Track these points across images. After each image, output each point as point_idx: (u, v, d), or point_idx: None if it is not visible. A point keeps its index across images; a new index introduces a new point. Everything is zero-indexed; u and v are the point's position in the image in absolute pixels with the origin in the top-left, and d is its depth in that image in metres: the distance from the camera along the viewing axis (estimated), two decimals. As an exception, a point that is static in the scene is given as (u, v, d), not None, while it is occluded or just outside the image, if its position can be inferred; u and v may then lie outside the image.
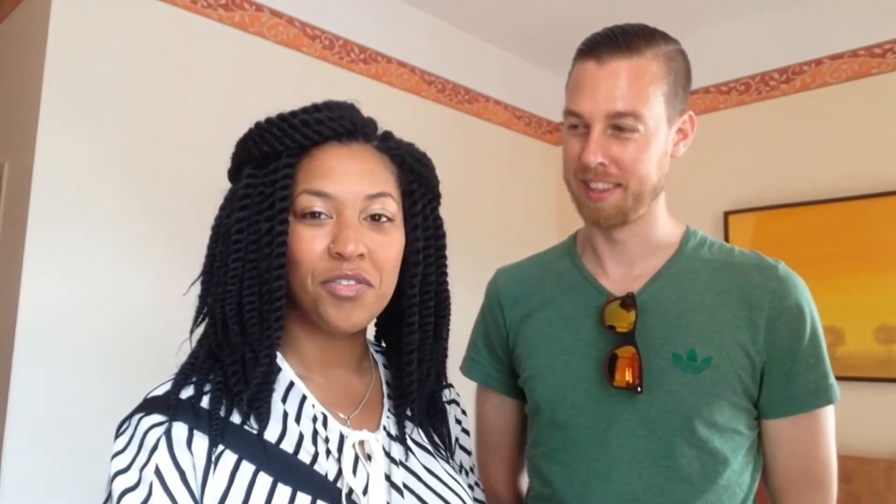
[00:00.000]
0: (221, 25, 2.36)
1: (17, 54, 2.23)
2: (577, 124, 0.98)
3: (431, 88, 3.03)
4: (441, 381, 0.90)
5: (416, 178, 0.84)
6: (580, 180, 0.99)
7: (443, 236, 0.87)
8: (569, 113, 0.99)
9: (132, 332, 2.04)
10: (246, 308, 0.75)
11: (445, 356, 0.89)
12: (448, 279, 0.87)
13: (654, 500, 0.94)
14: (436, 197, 0.87)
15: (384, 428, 0.82)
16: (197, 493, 0.68)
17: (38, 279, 1.91)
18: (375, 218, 0.77)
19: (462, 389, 1.12)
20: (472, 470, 0.99)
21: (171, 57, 2.23)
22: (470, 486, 0.97)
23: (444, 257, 0.87)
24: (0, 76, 2.37)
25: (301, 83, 2.54)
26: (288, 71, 2.52)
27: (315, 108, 0.79)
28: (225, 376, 0.75)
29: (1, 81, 2.36)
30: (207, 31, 2.33)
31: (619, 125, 0.95)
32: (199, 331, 0.81)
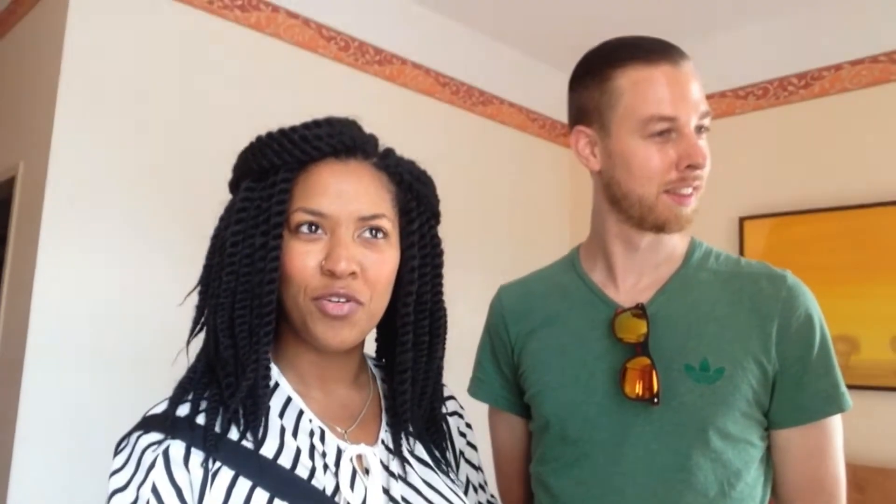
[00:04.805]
0: (237, 26, 2.37)
1: (33, 54, 2.24)
2: (669, 129, 0.94)
3: (446, 90, 3.02)
4: (439, 396, 0.90)
5: (415, 197, 0.83)
6: (663, 190, 0.96)
7: (440, 255, 0.86)
8: (660, 119, 0.93)
9: (147, 333, 2.05)
10: (237, 322, 0.75)
11: (440, 374, 0.88)
12: (444, 298, 0.87)
13: None
14: (434, 216, 0.87)
15: (382, 442, 0.82)
16: None
17: (52, 279, 1.93)
18: (371, 233, 0.77)
19: (476, 411, 1.11)
20: (482, 487, 0.97)
21: (186, 57, 2.25)
22: None
23: (440, 276, 0.86)
24: (16, 76, 2.40)
25: (316, 84, 2.54)
26: (303, 72, 2.53)
27: (315, 123, 0.78)
28: (221, 390, 0.75)
29: (17, 81, 2.38)
30: (223, 31, 2.34)
31: (704, 125, 0.96)
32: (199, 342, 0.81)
